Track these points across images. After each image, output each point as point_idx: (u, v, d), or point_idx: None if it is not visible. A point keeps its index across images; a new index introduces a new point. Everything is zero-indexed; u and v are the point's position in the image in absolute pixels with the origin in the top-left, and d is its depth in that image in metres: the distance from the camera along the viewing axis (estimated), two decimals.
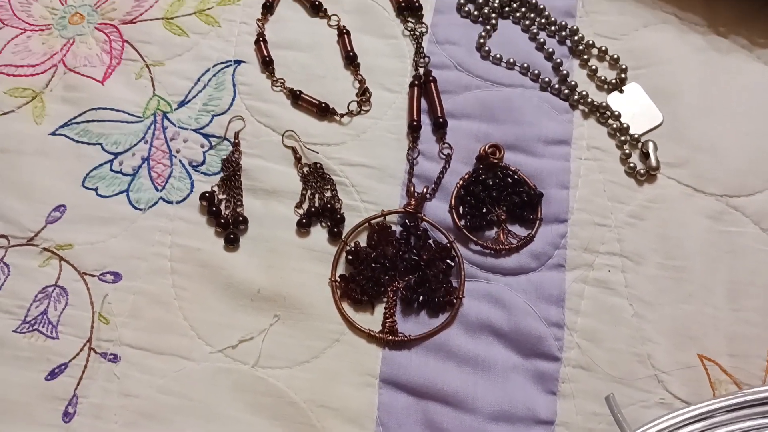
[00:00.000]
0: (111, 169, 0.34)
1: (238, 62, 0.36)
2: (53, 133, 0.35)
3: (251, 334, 0.30)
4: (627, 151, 0.33)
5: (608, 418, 0.27)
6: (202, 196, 0.32)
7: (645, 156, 0.33)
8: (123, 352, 0.29)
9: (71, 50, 0.37)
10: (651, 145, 0.32)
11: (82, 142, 0.34)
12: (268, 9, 0.38)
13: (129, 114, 0.35)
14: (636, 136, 0.33)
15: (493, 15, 0.37)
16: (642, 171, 0.32)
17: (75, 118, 0.35)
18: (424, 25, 0.37)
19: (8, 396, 0.28)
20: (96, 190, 0.33)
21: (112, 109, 0.35)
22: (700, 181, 0.32)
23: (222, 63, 0.36)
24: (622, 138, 0.33)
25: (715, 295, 0.30)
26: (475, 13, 0.37)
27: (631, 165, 0.32)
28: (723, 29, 0.36)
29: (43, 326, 0.30)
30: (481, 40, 0.36)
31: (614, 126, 0.33)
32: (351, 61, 0.36)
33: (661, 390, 0.29)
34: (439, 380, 0.29)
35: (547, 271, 0.31)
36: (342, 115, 0.35)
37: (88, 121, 0.35)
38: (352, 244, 0.31)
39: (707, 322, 0.30)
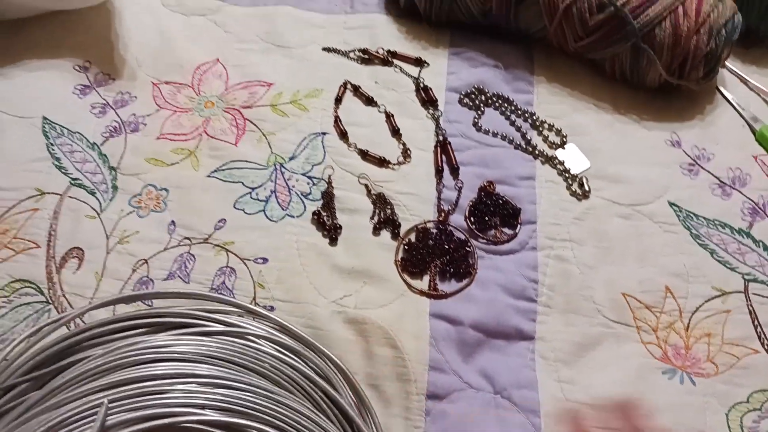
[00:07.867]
0: (251, 197, 0.53)
1: (324, 134, 0.57)
2: (209, 176, 0.54)
3: (350, 292, 0.49)
4: (570, 182, 0.54)
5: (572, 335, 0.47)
6: (313, 213, 0.52)
7: (580, 186, 0.54)
8: (275, 304, 0.48)
9: (209, 125, 0.57)
10: (584, 179, 0.54)
11: (229, 181, 0.54)
12: (338, 101, 0.59)
13: (257, 164, 0.55)
14: (574, 174, 0.54)
15: (482, 105, 0.59)
16: (579, 193, 0.53)
17: (221, 166, 0.54)
18: (439, 111, 0.59)
19: None
20: (243, 210, 0.52)
21: (245, 161, 0.55)
22: (614, 198, 0.53)
23: (314, 134, 0.57)
24: (566, 176, 0.54)
25: (628, 259, 0.50)
26: (470, 104, 0.59)
27: (573, 190, 0.53)
28: (622, 110, 0.58)
29: (223, 291, 0.48)
30: (475, 120, 0.58)
31: (560, 168, 0.55)
32: (395, 132, 0.57)
33: (600, 317, 0.48)
34: (463, 314, 0.47)
35: (527, 252, 0.50)
36: (394, 165, 0.55)
37: (230, 169, 0.54)
38: (407, 240, 0.51)
39: (625, 275, 0.49)
